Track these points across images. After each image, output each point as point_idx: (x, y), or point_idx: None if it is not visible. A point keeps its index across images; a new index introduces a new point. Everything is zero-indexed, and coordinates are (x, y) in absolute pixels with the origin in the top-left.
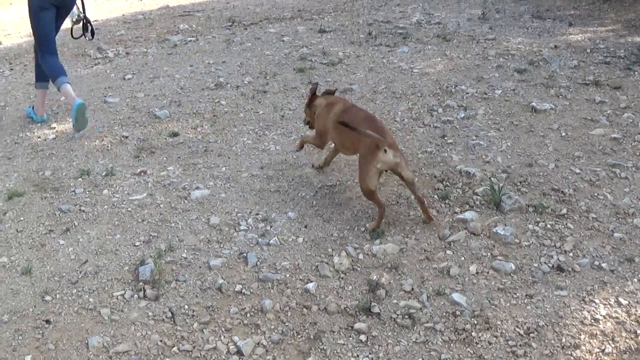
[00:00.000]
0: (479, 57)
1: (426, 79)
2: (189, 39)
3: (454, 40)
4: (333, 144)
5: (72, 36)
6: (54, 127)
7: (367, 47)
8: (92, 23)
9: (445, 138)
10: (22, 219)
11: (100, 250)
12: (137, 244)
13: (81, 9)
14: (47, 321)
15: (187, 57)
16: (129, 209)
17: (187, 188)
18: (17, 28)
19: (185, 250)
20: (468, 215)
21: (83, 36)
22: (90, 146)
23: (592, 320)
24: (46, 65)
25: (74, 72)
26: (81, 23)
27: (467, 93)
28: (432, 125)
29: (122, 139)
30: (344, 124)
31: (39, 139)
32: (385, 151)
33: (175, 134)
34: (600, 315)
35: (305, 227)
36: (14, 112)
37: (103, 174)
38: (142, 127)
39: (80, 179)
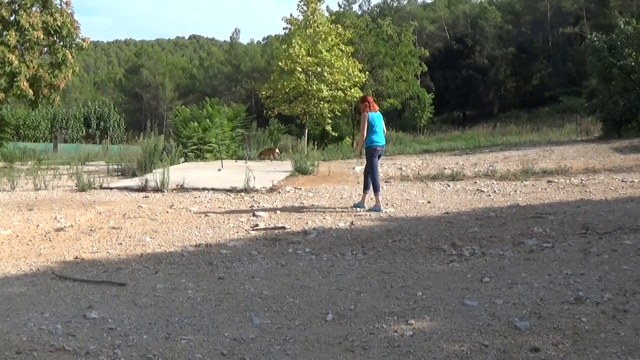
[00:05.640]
0: None
1: None
2: (545, 244)
3: None
4: None
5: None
6: (412, 323)
7: None
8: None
9: None
10: None
11: None
12: None
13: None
14: None
15: (544, 265)
16: None
17: None
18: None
19: None
20: None
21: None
22: (449, 350)
23: None
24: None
25: (429, 267)
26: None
27: None
28: None
29: (482, 347)
30: None
31: (395, 333)
32: None
33: (535, 349)
34: None
35: None
36: (369, 300)
37: None
38: (502, 337)
39: None
